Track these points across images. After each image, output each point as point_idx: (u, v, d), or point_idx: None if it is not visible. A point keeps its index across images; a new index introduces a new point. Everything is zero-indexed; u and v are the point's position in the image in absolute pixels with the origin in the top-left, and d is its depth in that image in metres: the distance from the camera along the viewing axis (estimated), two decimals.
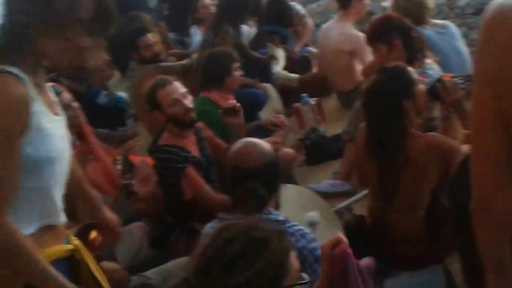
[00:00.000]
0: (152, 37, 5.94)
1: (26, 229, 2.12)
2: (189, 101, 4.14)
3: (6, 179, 2.02)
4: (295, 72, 6.78)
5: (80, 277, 2.36)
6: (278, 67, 6.71)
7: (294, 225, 2.80)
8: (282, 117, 5.67)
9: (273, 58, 6.59)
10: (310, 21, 7.78)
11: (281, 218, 2.82)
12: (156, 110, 4.16)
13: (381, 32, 4.23)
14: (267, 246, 1.87)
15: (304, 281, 1.96)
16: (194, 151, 4.13)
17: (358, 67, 5.89)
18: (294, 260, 1.95)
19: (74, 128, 4.28)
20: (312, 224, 3.41)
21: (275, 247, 1.88)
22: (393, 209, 3.46)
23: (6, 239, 2.02)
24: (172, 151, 4.02)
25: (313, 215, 3.48)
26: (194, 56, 6.45)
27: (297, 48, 7.22)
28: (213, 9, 7.26)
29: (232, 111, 4.24)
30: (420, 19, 4.86)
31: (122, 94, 6.63)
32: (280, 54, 6.87)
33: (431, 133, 3.58)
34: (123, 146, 5.14)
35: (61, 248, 2.28)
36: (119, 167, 4.31)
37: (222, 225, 1.98)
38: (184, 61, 6.41)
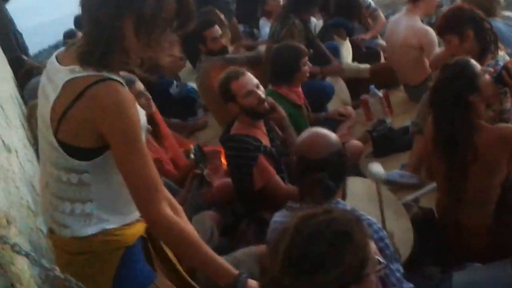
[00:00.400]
0: (218, 29, 5.95)
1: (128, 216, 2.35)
2: (261, 92, 4.15)
3: (155, 176, 2.20)
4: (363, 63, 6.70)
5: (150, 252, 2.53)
6: (347, 60, 6.64)
7: (362, 215, 2.76)
8: (349, 108, 5.64)
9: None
10: (381, 14, 7.66)
11: (348, 207, 2.80)
12: (229, 101, 4.17)
13: (452, 23, 4.14)
14: (351, 238, 1.84)
15: (383, 264, 1.93)
16: (265, 141, 4.13)
17: (426, 61, 5.77)
18: (373, 245, 1.93)
19: (147, 117, 4.34)
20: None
21: (358, 237, 1.86)
22: (462, 203, 3.40)
23: (171, 229, 2.22)
24: (244, 140, 4.04)
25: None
26: (260, 47, 6.46)
27: (364, 37, 7.12)
28: (281, 1, 7.26)
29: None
30: (490, 11, 4.74)
31: (193, 84, 6.69)
32: (347, 46, 6.81)
33: (501, 124, 3.50)
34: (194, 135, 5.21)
35: (142, 225, 2.42)
36: (192, 156, 4.34)
37: (299, 219, 1.93)
38: (249, 53, 6.43)
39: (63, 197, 2.28)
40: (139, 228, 2.41)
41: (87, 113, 2.09)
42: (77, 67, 2.12)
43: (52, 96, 2.15)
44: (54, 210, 2.33)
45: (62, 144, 2.16)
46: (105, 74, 2.11)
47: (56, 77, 2.17)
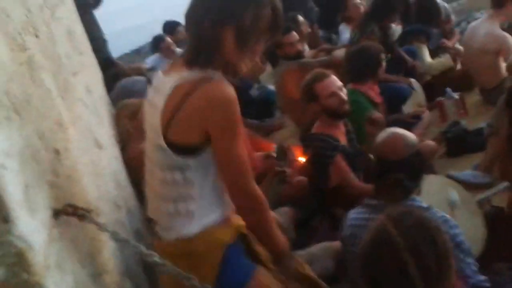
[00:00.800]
0: (295, 35, 6.02)
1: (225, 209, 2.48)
2: (344, 94, 4.21)
3: (248, 163, 2.36)
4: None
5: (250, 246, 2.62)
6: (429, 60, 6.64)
7: (437, 212, 2.76)
8: (423, 110, 5.61)
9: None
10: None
11: (424, 205, 2.81)
12: (312, 101, 4.24)
13: None
14: (442, 232, 1.92)
15: None
16: (343, 140, 4.19)
17: (502, 65, 5.74)
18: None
19: None
20: (452, 204, 3.37)
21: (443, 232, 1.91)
22: None
23: (259, 203, 2.41)
24: (324, 139, 4.10)
25: (453, 195, 3.43)
26: (336, 52, 6.48)
27: (447, 44, 7.07)
28: (363, 7, 7.26)
29: (375, 122, 4.27)
30: None
31: (272, 87, 6.77)
32: (426, 51, 6.77)
33: None
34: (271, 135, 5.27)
35: (240, 224, 2.54)
36: (274, 154, 4.42)
37: (402, 227, 1.95)
38: (322, 58, 6.47)
39: (168, 198, 2.41)
40: (238, 226, 2.51)
41: (195, 110, 2.21)
42: (184, 72, 2.26)
43: (161, 103, 2.27)
44: (160, 214, 2.47)
45: (170, 144, 2.29)
46: (210, 73, 2.23)
47: (164, 87, 2.30)
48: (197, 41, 2.28)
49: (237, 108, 2.25)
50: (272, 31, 2.30)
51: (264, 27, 2.26)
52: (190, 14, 2.31)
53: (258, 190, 2.39)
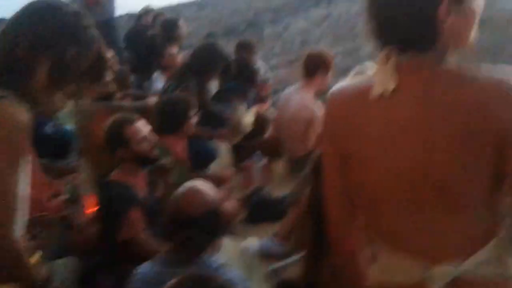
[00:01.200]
0: (107, 75, 5.97)
1: None
2: (154, 139, 4.23)
3: (18, 199, 2.10)
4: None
5: None
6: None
7: (230, 271, 2.86)
8: (228, 172, 5.75)
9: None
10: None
11: (217, 263, 2.91)
12: (120, 146, 4.19)
13: None
14: None
15: None
16: (143, 191, 4.18)
17: (312, 135, 6.04)
18: None
19: None
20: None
21: None
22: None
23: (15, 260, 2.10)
24: (120, 189, 4.06)
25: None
26: (149, 100, 6.52)
27: (261, 107, 7.35)
28: (179, 58, 7.36)
29: None
30: None
31: (71, 126, 6.65)
32: (243, 111, 6.96)
33: None
34: (66, 178, 5.15)
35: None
36: (63, 197, 4.31)
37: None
38: (136, 103, 6.46)
39: None
40: None
41: None
42: None
43: None
44: None
45: None
46: (5, 93, 2.12)
47: None
48: (5, 63, 2.20)
49: (23, 137, 2.14)
50: (92, 78, 2.31)
51: (84, 70, 2.26)
52: (7, 32, 2.24)
53: (15, 238, 2.08)
